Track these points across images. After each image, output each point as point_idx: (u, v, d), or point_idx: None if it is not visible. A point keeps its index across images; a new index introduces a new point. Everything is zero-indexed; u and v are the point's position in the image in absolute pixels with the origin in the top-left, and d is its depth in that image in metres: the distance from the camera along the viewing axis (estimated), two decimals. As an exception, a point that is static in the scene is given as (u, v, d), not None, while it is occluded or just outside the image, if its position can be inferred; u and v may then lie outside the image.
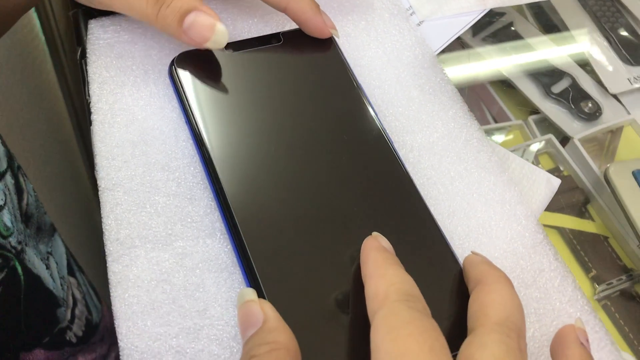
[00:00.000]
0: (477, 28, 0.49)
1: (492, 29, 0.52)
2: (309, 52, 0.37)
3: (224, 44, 0.33)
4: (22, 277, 0.37)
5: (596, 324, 0.31)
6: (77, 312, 0.47)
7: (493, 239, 0.33)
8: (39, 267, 0.41)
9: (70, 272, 0.49)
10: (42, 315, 0.41)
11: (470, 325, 0.25)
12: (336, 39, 0.37)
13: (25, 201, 0.41)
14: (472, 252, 0.29)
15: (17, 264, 0.36)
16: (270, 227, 0.30)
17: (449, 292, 0.29)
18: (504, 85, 0.46)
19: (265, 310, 0.24)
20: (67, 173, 0.83)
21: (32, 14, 0.65)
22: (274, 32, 0.37)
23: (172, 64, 0.34)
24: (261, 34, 0.37)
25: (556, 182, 0.37)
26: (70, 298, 0.46)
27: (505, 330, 0.24)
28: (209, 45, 0.33)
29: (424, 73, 0.38)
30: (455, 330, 0.27)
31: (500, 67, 0.47)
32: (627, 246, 0.38)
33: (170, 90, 0.35)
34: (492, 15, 0.51)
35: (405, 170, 0.33)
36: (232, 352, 0.28)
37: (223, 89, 0.34)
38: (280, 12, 0.37)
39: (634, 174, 0.41)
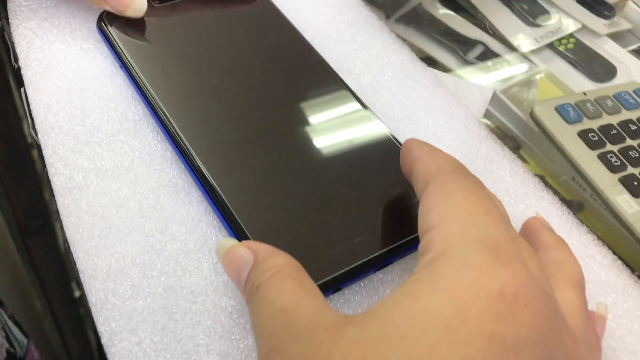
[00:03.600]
0: (390, 11, 0.52)
1: (403, 10, 0.54)
2: (236, -2, 0.37)
3: (143, 12, 0.34)
4: None
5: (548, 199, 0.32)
6: None
7: (440, 139, 0.33)
8: None
9: None
10: None
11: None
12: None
13: None
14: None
15: None
16: (220, 144, 0.30)
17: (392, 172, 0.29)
18: (425, 60, 0.48)
19: (253, 247, 0.23)
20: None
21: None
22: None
23: (100, 16, 0.34)
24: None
25: (489, 91, 0.39)
26: None
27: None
28: (128, 13, 0.34)
29: (348, 11, 0.40)
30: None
31: (417, 44, 0.50)
32: (562, 181, 0.39)
33: (101, 45, 0.35)
34: (401, -1, 0.53)
35: (345, 83, 0.33)
36: (199, 262, 0.27)
37: (155, 33, 0.34)
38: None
39: (556, 109, 0.43)
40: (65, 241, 0.29)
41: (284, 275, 0.22)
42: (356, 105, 0.32)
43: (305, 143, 0.30)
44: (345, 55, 0.37)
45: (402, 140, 0.31)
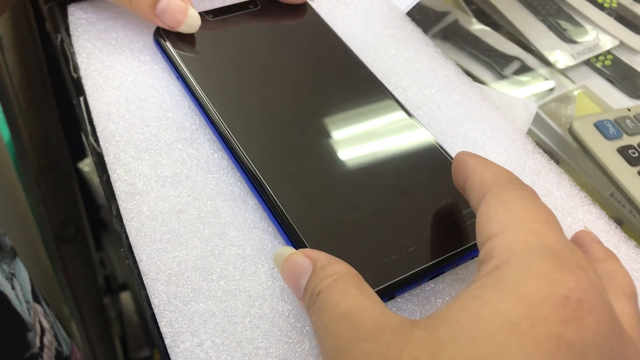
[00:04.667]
0: (426, 27, 0.53)
1: (440, 26, 0.55)
2: (286, 13, 0.38)
3: (197, 28, 0.35)
4: None
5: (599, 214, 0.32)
6: (45, 341, 0.45)
7: (487, 152, 0.34)
8: (4, 285, 0.40)
9: (36, 299, 0.47)
10: (12, 337, 0.39)
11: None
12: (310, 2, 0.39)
13: None
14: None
15: None
16: (275, 152, 0.31)
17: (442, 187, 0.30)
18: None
19: (311, 255, 0.24)
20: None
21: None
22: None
23: (157, 29, 0.36)
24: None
25: (534, 106, 0.39)
26: (38, 325, 0.44)
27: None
28: (181, 29, 0.35)
29: (394, 25, 0.41)
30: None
31: (454, 59, 0.50)
32: (600, 197, 0.39)
33: (158, 56, 0.36)
34: (437, 15, 0.54)
35: (392, 94, 0.34)
36: (256, 268, 0.28)
37: (209, 46, 0.35)
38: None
39: (595, 125, 0.44)
40: (98, 249, 0.30)
41: (344, 282, 0.22)
42: (404, 116, 0.33)
43: (357, 152, 0.31)
44: (392, 68, 0.38)
45: (451, 153, 0.32)
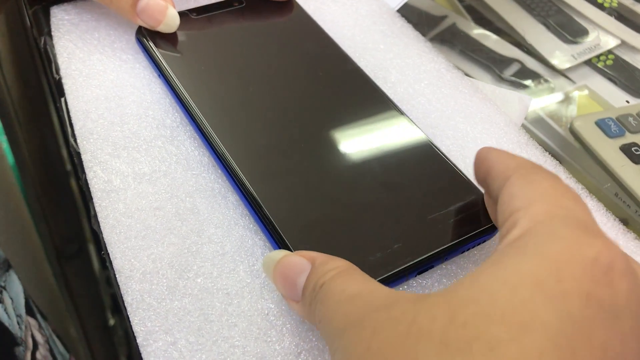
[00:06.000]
0: (424, 31, 0.52)
1: (438, 30, 0.54)
2: (272, 10, 0.38)
3: (175, 28, 0.35)
4: None
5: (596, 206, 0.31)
6: (38, 356, 0.44)
7: (479, 144, 0.33)
8: None
9: (30, 313, 0.46)
10: None
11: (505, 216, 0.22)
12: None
13: None
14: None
15: None
16: (258, 149, 0.30)
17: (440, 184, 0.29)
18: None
19: (308, 255, 0.23)
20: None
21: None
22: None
23: (139, 28, 0.35)
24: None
25: (527, 99, 0.38)
26: (30, 339, 0.43)
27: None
28: (160, 28, 0.34)
29: (383, 21, 0.40)
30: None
31: (453, 62, 0.50)
32: (603, 197, 0.38)
33: (140, 56, 0.35)
34: (435, 19, 0.53)
35: (380, 89, 0.33)
36: (235, 265, 0.27)
37: (193, 44, 0.35)
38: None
39: (597, 123, 0.42)
40: (104, 267, 0.29)
41: (348, 272, 0.21)
42: (391, 110, 0.32)
43: (341, 148, 0.30)
44: (380, 64, 0.37)
45: (440, 147, 0.31)
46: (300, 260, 0.23)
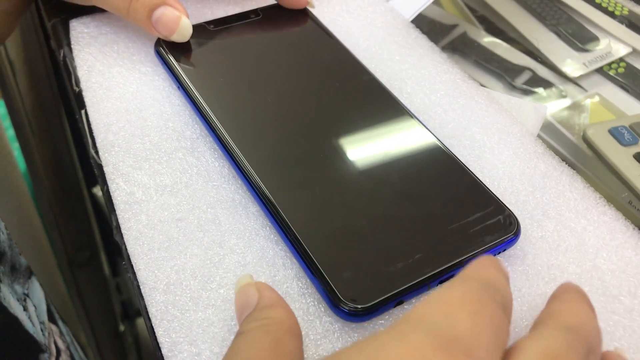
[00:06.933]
0: (435, 40, 0.52)
1: (449, 39, 0.55)
2: (288, 21, 0.38)
3: (188, 37, 0.35)
4: None
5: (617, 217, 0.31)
6: None
7: (495, 154, 0.33)
8: (15, 307, 0.39)
9: (51, 319, 0.46)
10: None
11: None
12: (311, 9, 0.39)
13: None
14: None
15: None
16: (278, 159, 0.30)
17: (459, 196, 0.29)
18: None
19: (260, 291, 0.23)
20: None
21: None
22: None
23: (158, 40, 0.35)
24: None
25: (543, 109, 0.38)
26: (53, 346, 0.44)
27: (574, 335, 0.19)
28: (174, 37, 0.35)
29: (398, 32, 0.40)
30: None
31: (464, 71, 0.50)
32: (619, 205, 0.38)
33: (159, 68, 0.36)
34: (446, 28, 0.54)
35: (398, 101, 0.33)
36: (257, 276, 0.27)
37: (211, 55, 0.35)
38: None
39: (610, 131, 0.42)
40: (114, 275, 0.29)
41: (266, 331, 0.21)
42: (409, 120, 0.32)
43: (361, 158, 0.30)
44: (396, 74, 0.37)
45: (458, 156, 0.31)
46: (251, 295, 0.23)
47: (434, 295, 0.19)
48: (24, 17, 0.58)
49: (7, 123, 0.78)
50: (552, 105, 0.44)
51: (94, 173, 0.31)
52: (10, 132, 0.79)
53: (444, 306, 0.18)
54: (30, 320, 0.41)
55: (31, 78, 0.72)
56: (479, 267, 0.21)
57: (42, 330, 0.43)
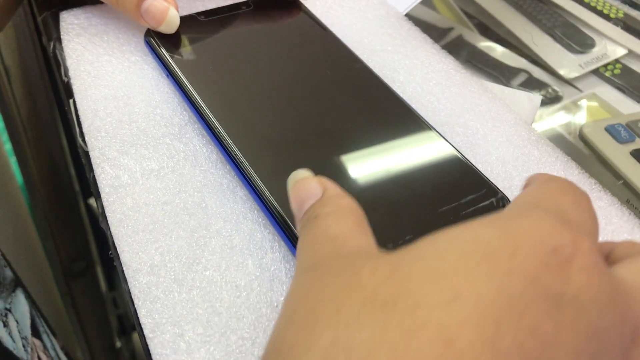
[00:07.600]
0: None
1: (444, 42, 0.54)
2: (280, 12, 0.38)
3: (175, 28, 0.35)
4: None
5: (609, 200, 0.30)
6: None
7: (489, 142, 0.33)
8: None
9: (35, 334, 0.45)
10: None
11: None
12: (303, 1, 0.39)
13: None
14: None
15: None
16: (267, 144, 0.29)
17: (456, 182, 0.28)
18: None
19: (324, 183, 0.23)
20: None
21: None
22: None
23: (148, 30, 0.35)
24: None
25: (537, 98, 0.38)
26: None
27: None
28: (161, 28, 0.35)
29: (391, 24, 0.40)
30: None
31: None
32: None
33: (148, 58, 0.35)
34: (441, 31, 0.54)
35: (390, 88, 0.33)
36: (244, 258, 0.26)
37: (201, 45, 0.35)
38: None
39: (606, 129, 0.42)
40: (111, 289, 0.28)
41: (344, 214, 0.21)
42: (401, 107, 0.32)
43: (350, 142, 0.30)
44: (389, 64, 0.37)
45: (452, 142, 0.30)
46: (314, 186, 0.23)
47: (533, 187, 0.21)
48: (19, 19, 0.58)
49: (5, 137, 0.78)
50: (548, 105, 0.44)
51: (90, 186, 0.31)
52: (8, 146, 0.79)
53: (549, 194, 0.20)
54: (11, 336, 0.40)
55: (26, 85, 0.72)
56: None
57: (24, 346, 0.42)
